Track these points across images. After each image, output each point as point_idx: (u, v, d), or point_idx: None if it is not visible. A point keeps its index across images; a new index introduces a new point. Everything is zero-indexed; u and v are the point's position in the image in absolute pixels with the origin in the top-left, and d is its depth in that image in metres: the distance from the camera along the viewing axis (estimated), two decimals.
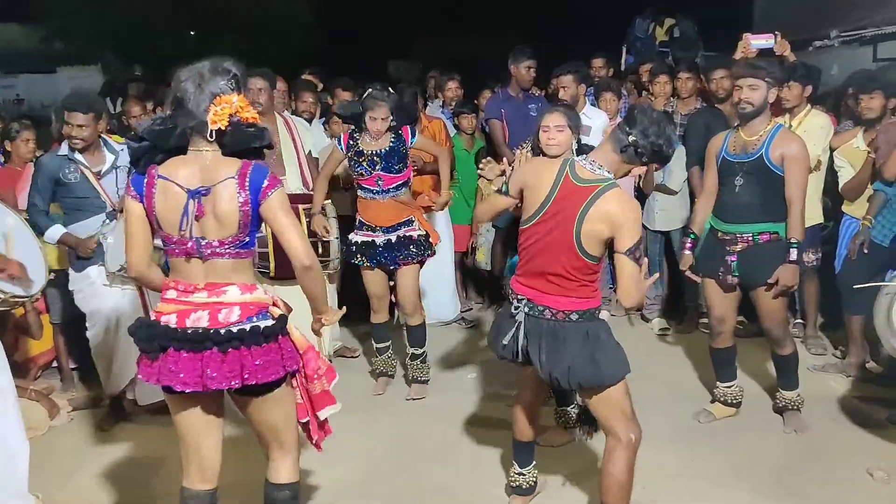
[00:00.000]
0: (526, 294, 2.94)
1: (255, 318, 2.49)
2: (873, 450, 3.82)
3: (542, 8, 16.31)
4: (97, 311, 4.13)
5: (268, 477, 2.73)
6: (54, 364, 4.92)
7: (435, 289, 5.69)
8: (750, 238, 3.79)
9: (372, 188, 4.37)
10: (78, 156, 4.08)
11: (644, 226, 5.68)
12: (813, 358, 4.93)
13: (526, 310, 2.93)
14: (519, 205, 3.06)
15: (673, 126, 2.86)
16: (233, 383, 2.42)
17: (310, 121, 5.54)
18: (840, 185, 4.80)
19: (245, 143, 2.50)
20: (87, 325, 4.19)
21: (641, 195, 5.70)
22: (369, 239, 4.42)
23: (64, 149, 4.10)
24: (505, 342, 2.98)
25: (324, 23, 17.32)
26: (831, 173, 4.96)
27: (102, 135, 4.24)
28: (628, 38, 9.03)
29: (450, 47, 16.27)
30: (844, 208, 4.81)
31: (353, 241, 4.47)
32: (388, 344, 4.69)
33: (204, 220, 2.45)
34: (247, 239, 2.51)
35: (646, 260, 2.84)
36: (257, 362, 2.44)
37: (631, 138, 2.78)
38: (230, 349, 2.42)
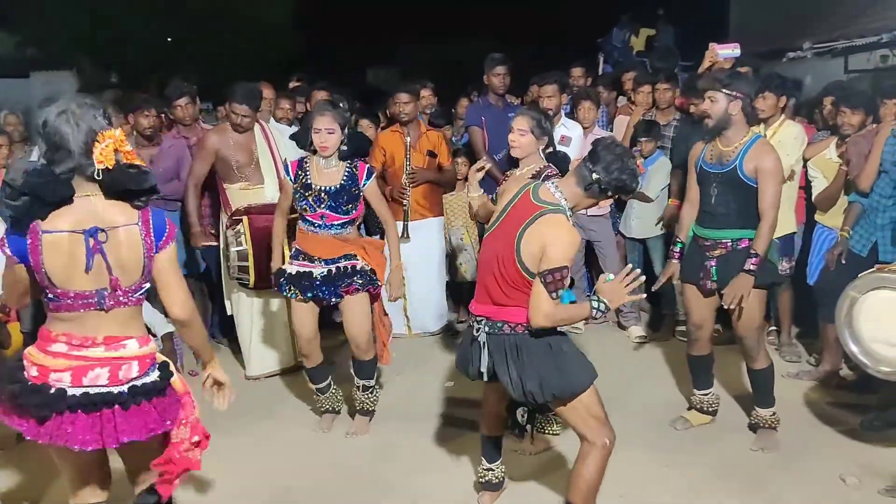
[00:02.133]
0: (483, 313, 2.98)
1: (150, 372, 2.45)
2: (846, 456, 3.85)
3: (519, 16, 16.41)
4: None
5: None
6: None
7: (423, 298, 5.66)
8: (729, 244, 3.81)
9: (314, 221, 3.97)
10: None
11: (622, 233, 5.80)
12: (787, 365, 4.97)
13: (486, 329, 2.95)
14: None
15: (634, 159, 2.91)
16: (144, 436, 2.39)
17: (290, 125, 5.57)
18: (813, 196, 4.85)
19: (126, 185, 2.34)
20: None
21: (620, 202, 5.75)
22: (306, 270, 3.98)
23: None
24: (472, 368, 3.04)
25: (302, 30, 17.28)
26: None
27: None
28: (605, 48, 9.12)
29: (428, 55, 16.31)
30: (817, 217, 4.86)
31: (286, 272, 4.03)
32: (327, 382, 4.27)
33: (116, 265, 2.35)
34: (146, 285, 2.45)
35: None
36: (159, 411, 2.44)
37: (595, 175, 2.83)
38: (132, 405, 2.37)
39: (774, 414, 4.01)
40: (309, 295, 3.98)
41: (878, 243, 4.27)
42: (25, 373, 2.39)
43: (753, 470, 3.77)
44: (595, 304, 2.83)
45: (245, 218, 4.57)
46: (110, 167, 2.30)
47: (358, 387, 4.23)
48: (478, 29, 16.04)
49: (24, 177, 2.28)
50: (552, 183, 2.93)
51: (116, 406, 2.36)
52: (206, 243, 4.90)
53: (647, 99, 5.81)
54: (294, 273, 4.01)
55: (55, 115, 2.30)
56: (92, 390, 2.34)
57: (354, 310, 4.04)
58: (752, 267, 3.68)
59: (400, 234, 4.63)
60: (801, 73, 6.84)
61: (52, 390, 2.33)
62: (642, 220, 5.61)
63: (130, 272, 2.38)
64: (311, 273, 3.97)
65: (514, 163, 3.93)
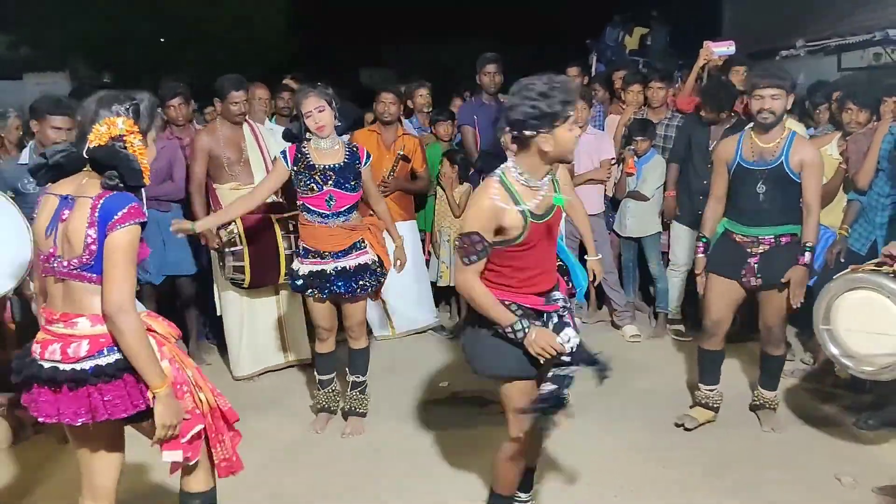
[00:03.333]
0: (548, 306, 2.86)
1: (104, 352, 2.41)
2: (842, 455, 3.85)
3: (518, 16, 16.43)
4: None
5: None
6: None
7: (401, 296, 5.64)
8: (772, 240, 3.86)
9: (320, 210, 3.93)
10: None
11: (616, 232, 5.79)
12: None
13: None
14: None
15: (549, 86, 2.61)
16: (79, 421, 2.40)
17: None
18: None
19: (108, 161, 2.39)
20: None
21: (614, 201, 5.75)
22: (318, 267, 3.97)
23: (24, 157, 4.02)
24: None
25: (296, 31, 17.27)
26: None
27: None
28: (598, 46, 9.12)
29: (421, 55, 16.32)
30: None
31: (299, 273, 4.02)
32: (332, 376, 4.30)
33: (61, 234, 2.43)
34: (92, 263, 2.40)
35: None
36: (107, 398, 2.40)
37: (507, 126, 2.66)
38: (77, 387, 2.39)
39: (776, 396, 4.20)
40: (326, 293, 4.00)
41: (877, 242, 4.27)
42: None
43: (749, 469, 3.76)
44: (517, 326, 2.69)
45: (237, 219, 4.56)
46: (100, 144, 2.41)
47: (350, 384, 4.25)
48: (477, 29, 16.05)
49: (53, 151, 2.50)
50: (513, 166, 2.73)
51: (64, 385, 2.39)
52: (218, 243, 4.89)
53: (637, 98, 5.81)
54: (307, 273, 4.00)
55: (91, 98, 2.48)
56: (46, 363, 2.42)
57: (356, 306, 4.11)
58: (808, 261, 3.79)
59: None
60: (794, 71, 6.83)
61: (28, 358, 2.48)
62: (638, 219, 5.60)
63: (73, 246, 2.40)
64: (324, 270, 3.97)
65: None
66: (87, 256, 2.39)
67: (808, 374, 4.79)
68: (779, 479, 3.65)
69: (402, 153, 5.44)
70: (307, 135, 3.94)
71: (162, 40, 15.82)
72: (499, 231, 2.68)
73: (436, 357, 5.36)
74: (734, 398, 4.43)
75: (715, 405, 4.20)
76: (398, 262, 4.27)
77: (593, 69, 8.70)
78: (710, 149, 5.30)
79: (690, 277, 5.33)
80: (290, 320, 5.09)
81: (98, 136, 2.41)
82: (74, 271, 2.41)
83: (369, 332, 4.67)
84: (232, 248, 4.51)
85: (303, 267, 4.01)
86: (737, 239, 3.95)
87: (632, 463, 3.75)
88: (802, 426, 4.21)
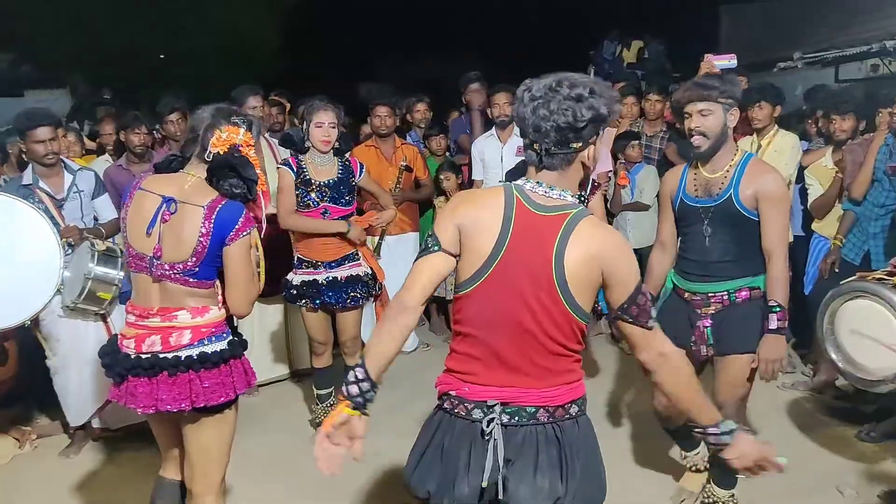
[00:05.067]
0: (498, 396, 2.01)
1: (206, 341, 2.54)
2: (843, 466, 3.84)
3: (505, 31, 16.49)
4: (57, 341, 4.03)
5: None
6: None
7: None
8: (726, 297, 3.06)
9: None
10: (43, 184, 3.99)
11: None
12: (783, 376, 4.94)
13: (503, 419, 1.99)
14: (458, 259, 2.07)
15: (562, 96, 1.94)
16: (182, 405, 2.50)
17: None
18: (809, 203, 4.86)
19: (230, 164, 2.51)
20: (46, 354, 4.10)
21: (610, 215, 5.75)
22: (311, 278, 4.02)
23: (27, 177, 4.01)
24: (462, 485, 2.01)
25: (289, 46, 17.34)
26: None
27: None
28: (596, 60, 9.16)
29: (413, 70, 16.36)
30: (814, 227, 4.86)
31: (292, 283, 4.07)
32: (330, 391, 4.27)
33: (165, 236, 2.49)
34: (197, 270, 2.51)
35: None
36: (205, 385, 2.52)
37: (526, 141, 2.03)
38: (179, 373, 2.49)
39: (734, 497, 3.29)
40: (317, 303, 4.03)
41: (871, 252, 4.27)
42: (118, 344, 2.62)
43: (749, 481, 3.73)
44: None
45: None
46: (221, 152, 2.52)
47: None
48: (472, 44, 16.12)
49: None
50: (526, 181, 2.05)
51: (164, 372, 2.48)
52: None
53: (632, 110, 5.85)
54: (300, 283, 4.04)
55: (205, 108, 2.60)
56: (144, 355, 2.51)
57: (349, 320, 4.13)
58: (778, 325, 2.95)
59: (372, 252, 4.60)
60: (792, 84, 6.86)
61: (121, 354, 2.56)
62: (638, 230, 5.60)
63: (181, 250, 2.48)
64: (316, 280, 4.01)
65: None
66: (194, 262, 2.49)
67: (809, 386, 4.77)
68: (780, 490, 3.63)
69: (404, 164, 5.45)
70: (307, 144, 3.97)
71: (161, 56, 15.88)
72: None
73: (434, 371, 5.32)
74: None
75: (705, 465, 3.50)
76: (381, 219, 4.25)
77: None
78: None
79: None
80: (296, 330, 5.10)
81: (222, 142, 2.52)
82: (177, 275, 2.50)
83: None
84: None
85: (296, 277, 4.07)
86: (685, 296, 3.16)
87: (634, 474, 3.74)
88: (803, 438, 4.19)
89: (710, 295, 3.07)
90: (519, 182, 2.05)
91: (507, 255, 1.97)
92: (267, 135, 5.22)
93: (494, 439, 1.98)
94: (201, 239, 2.47)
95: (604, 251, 1.94)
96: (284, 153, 4.67)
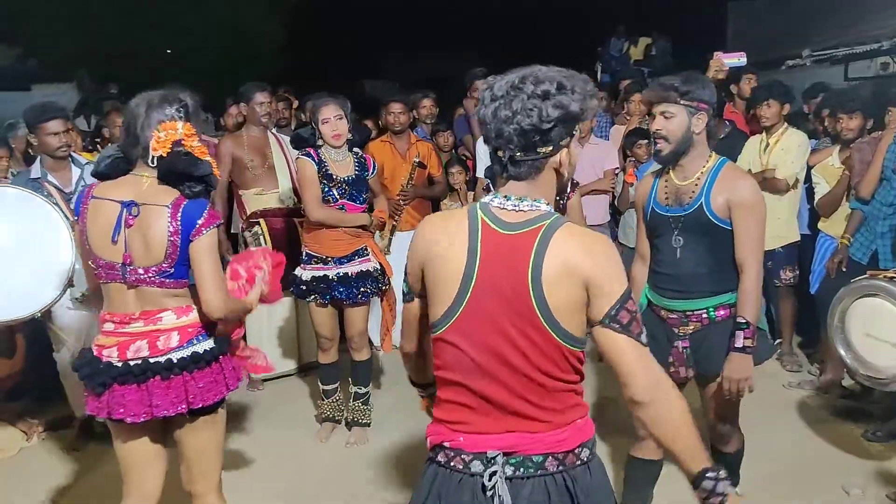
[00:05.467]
0: (498, 446, 1.75)
1: (194, 341, 2.49)
2: (849, 467, 3.82)
3: (508, 29, 16.49)
4: (69, 334, 4.05)
5: None
6: None
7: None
8: (704, 315, 2.87)
9: None
10: (51, 177, 4.02)
11: (622, 244, 5.76)
12: (789, 375, 4.94)
13: (508, 471, 1.74)
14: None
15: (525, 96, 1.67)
16: (179, 408, 2.45)
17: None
18: (815, 201, 4.84)
19: (178, 169, 2.41)
20: (53, 347, 4.12)
21: (616, 213, 5.74)
22: (321, 273, 4.01)
23: (35, 171, 4.03)
24: None
25: (295, 43, 17.37)
26: None
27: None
28: (603, 57, 9.14)
29: (418, 67, 16.37)
30: (820, 226, 4.85)
31: (301, 278, 4.06)
32: (336, 386, 4.33)
33: (133, 242, 2.42)
34: (172, 270, 2.44)
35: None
36: (200, 385, 2.47)
37: (490, 148, 1.78)
38: (173, 376, 2.43)
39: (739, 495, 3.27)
40: (327, 298, 4.03)
41: (879, 251, 4.25)
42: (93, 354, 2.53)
43: (755, 481, 3.73)
44: None
45: (261, 221, 4.63)
46: (164, 154, 2.40)
47: (352, 394, 4.26)
48: (477, 40, 16.10)
49: (105, 154, 2.56)
50: (494, 196, 1.79)
51: (157, 377, 2.42)
52: (230, 253, 4.95)
53: (640, 107, 5.82)
54: (309, 278, 4.03)
55: (136, 101, 2.46)
56: (133, 361, 2.43)
57: (357, 315, 4.13)
58: (744, 343, 2.76)
59: (382, 249, 4.60)
60: (801, 81, 6.83)
61: (102, 363, 2.46)
62: None
63: (153, 252, 2.41)
64: (326, 276, 4.00)
65: None
66: (168, 263, 2.42)
67: (815, 385, 4.76)
68: (786, 490, 3.62)
69: (418, 160, 5.44)
70: (319, 141, 3.97)
71: (168, 51, 15.91)
72: None
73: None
74: None
75: None
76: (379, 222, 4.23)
77: (598, 79, 8.72)
78: None
79: None
80: (305, 325, 5.11)
81: (162, 144, 2.40)
82: (153, 278, 2.43)
83: (371, 343, 4.67)
84: (257, 248, 4.56)
85: (305, 273, 4.06)
86: (661, 314, 2.98)
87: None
88: (809, 437, 4.18)
89: (687, 313, 2.90)
90: (485, 199, 1.80)
91: (478, 286, 1.72)
92: (274, 130, 5.24)
93: (499, 495, 1.71)
94: (171, 238, 2.40)
95: (583, 259, 1.67)
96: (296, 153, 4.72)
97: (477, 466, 1.75)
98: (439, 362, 1.82)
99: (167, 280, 2.44)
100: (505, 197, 1.76)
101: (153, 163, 2.42)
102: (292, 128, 5.91)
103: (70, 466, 4.04)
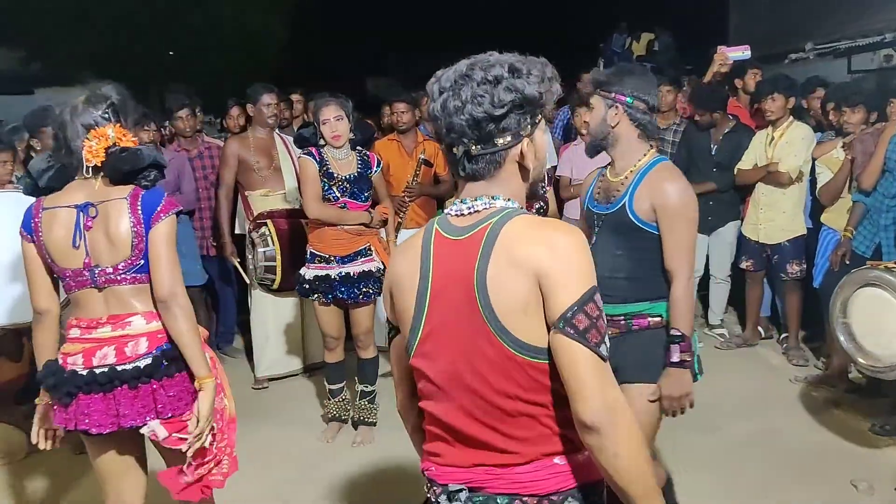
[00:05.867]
0: (462, 479, 1.56)
1: (164, 347, 2.38)
2: (857, 461, 3.81)
3: (512, 26, 16.46)
4: None
5: None
6: None
7: None
8: (622, 322, 2.63)
9: None
10: None
11: None
12: (795, 369, 4.93)
13: None
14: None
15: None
16: (147, 418, 2.34)
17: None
18: (817, 189, 4.82)
19: (123, 169, 2.33)
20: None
21: None
22: (323, 272, 4.01)
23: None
24: None
25: (298, 43, 17.37)
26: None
27: None
28: (605, 53, 9.11)
29: (424, 64, 16.38)
30: (823, 219, 4.83)
31: (305, 277, 4.07)
32: (342, 385, 4.32)
33: (96, 244, 2.34)
34: (141, 262, 2.36)
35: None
36: (170, 394, 2.36)
37: (443, 147, 1.61)
38: (140, 385, 2.33)
39: None
40: (330, 297, 4.03)
41: (882, 244, 4.23)
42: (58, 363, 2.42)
43: (762, 477, 3.73)
44: None
45: (269, 221, 4.64)
46: (99, 164, 2.31)
47: (358, 393, 4.27)
48: (480, 38, 16.10)
49: (39, 166, 2.48)
50: (457, 202, 1.61)
51: (124, 385, 2.32)
52: (235, 256, 4.98)
53: None
54: (312, 277, 4.04)
55: (60, 108, 2.35)
56: (98, 369, 2.33)
57: (362, 314, 4.14)
58: (681, 357, 2.54)
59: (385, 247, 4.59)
60: (804, 75, 6.80)
61: (66, 372, 2.35)
62: None
63: (119, 248, 2.34)
64: (328, 275, 4.00)
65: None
66: (136, 255, 2.35)
67: (821, 379, 4.74)
68: (794, 486, 3.61)
69: (423, 157, 5.44)
70: (321, 141, 3.97)
71: (171, 53, 15.92)
72: None
73: None
74: (740, 405, 4.39)
75: None
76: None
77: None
78: (713, 153, 5.30)
79: (701, 283, 5.33)
80: (311, 325, 5.12)
81: (94, 153, 2.31)
82: (123, 275, 2.36)
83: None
84: (265, 249, 4.57)
85: (308, 271, 4.06)
86: None
87: None
88: (816, 432, 4.16)
89: (609, 317, 2.60)
90: (446, 208, 1.64)
91: (432, 303, 1.55)
92: (277, 130, 5.24)
93: None
94: (135, 229, 2.32)
95: (535, 249, 1.44)
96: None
97: (444, 501, 1.57)
98: (417, 390, 1.65)
99: (138, 275, 2.37)
100: (461, 201, 1.58)
101: (89, 173, 2.33)
102: (294, 128, 5.91)
103: (76, 470, 4.04)
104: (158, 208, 2.34)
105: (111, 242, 2.34)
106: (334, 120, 3.90)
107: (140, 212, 2.33)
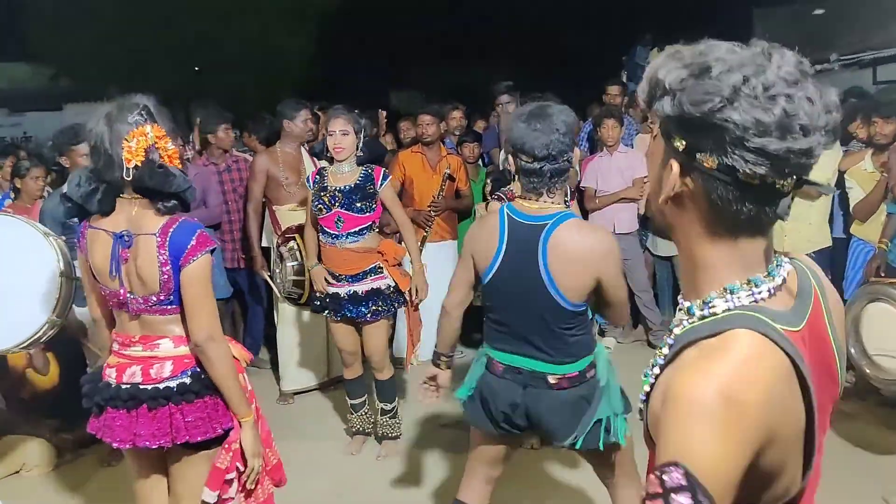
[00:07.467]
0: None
1: (189, 371, 2.37)
2: (888, 476, 3.75)
3: (535, 39, 16.49)
4: (99, 348, 4.09)
5: None
6: None
7: (428, 325, 5.63)
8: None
9: (330, 231, 3.94)
10: None
11: (650, 251, 5.74)
12: None
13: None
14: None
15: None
16: (161, 442, 2.33)
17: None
18: (851, 206, 4.78)
19: (146, 183, 2.27)
20: (88, 363, 4.17)
21: (646, 219, 5.71)
22: (333, 290, 4.00)
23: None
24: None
25: (323, 56, 17.52)
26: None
27: None
28: (628, 66, 9.09)
29: (447, 78, 16.41)
30: (853, 230, 4.79)
31: (317, 294, 4.09)
32: (363, 399, 4.31)
33: (130, 275, 2.34)
34: (171, 298, 2.34)
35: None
36: (188, 419, 2.33)
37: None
38: (158, 406, 2.33)
39: None
40: (339, 316, 4.02)
41: None
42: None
43: None
44: None
45: (297, 236, 4.68)
46: (139, 164, 2.24)
47: (378, 410, 4.27)
48: (504, 51, 16.13)
49: (74, 182, 2.34)
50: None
51: (144, 405, 2.33)
52: (265, 269, 5.00)
53: None
54: (323, 294, 4.05)
55: (94, 121, 2.30)
56: (124, 386, 2.36)
57: (373, 334, 4.07)
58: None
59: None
60: (828, 86, 6.78)
61: (101, 382, 2.42)
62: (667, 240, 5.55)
63: (148, 283, 2.32)
64: (337, 293, 3.99)
65: None
66: (165, 294, 2.33)
67: (851, 393, 4.67)
68: (824, 500, 3.55)
69: (448, 173, 5.46)
70: (327, 154, 3.99)
71: (196, 68, 16.13)
72: None
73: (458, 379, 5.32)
74: None
75: None
76: (416, 290, 4.06)
77: (626, 88, 8.67)
78: None
79: None
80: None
81: (134, 153, 2.23)
82: (153, 307, 2.35)
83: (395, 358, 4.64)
84: (293, 263, 4.59)
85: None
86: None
87: None
88: (847, 447, 4.10)
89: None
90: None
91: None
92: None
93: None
94: (163, 269, 2.29)
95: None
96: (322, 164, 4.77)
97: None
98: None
99: (167, 307, 2.35)
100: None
101: (128, 175, 2.24)
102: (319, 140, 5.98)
103: (102, 481, 4.07)
104: (188, 248, 2.29)
105: (140, 279, 2.33)
106: (339, 133, 3.87)
107: (167, 250, 2.28)
